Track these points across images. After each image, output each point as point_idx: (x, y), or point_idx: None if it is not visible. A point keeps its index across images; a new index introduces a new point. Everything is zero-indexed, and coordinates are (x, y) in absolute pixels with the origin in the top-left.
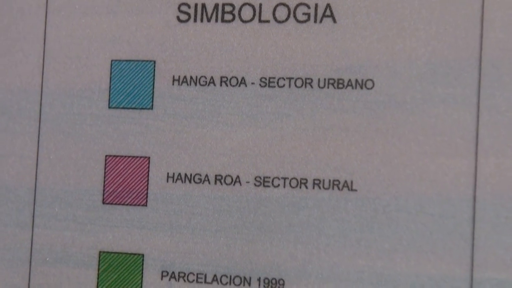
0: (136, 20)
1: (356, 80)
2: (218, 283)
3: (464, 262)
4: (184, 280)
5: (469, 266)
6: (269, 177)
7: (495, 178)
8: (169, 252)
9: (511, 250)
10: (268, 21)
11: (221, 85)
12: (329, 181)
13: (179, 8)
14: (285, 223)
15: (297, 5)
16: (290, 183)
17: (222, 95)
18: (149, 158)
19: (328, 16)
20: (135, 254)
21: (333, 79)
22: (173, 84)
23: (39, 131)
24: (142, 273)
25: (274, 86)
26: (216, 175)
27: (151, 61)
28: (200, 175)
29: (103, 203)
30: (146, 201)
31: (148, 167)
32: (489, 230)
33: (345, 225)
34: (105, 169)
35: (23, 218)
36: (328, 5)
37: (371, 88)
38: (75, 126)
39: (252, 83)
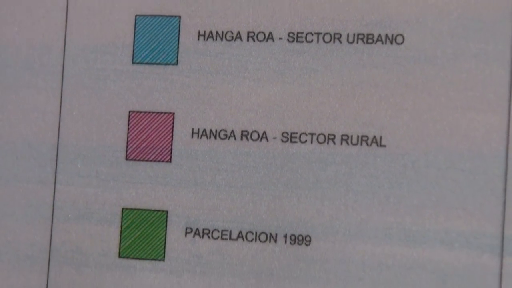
0: None
1: (386, 35)
2: (243, 240)
3: (495, 219)
4: (209, 237)
5: (500, 222)
6: (296, 133)
7: None
8: (194, 209)
9: None
10: None
11: (248, 40)
12: (358, 136)
13: None
14: (312, 179)
15: None
16: (317, 139)
17: (249, 50)
18: (173, 114)
19: None
20: (158, 210)
21: (363, 34)
22: (198, 39)
23: (62, 87)
24: (166, 230)
25: (302, 41)
26: (242, 131)
27: (176, 16)
28: (226, 131)
29: (126, 159)
30: (170, 157)
31: (173, 123)
32: None
33: (374, 181)
34: (128, 125)
35: (45, 175)
36: None
37: (401, 43)
38: (98, 81)
39: (280, 38)
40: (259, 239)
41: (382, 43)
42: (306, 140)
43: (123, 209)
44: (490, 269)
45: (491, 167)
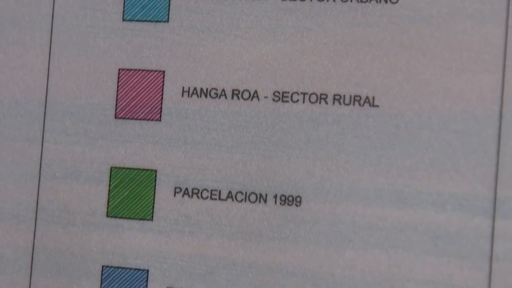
0: None
1: None
2: (232, 200)
3: (487, 180)
4: (198, 197)
5: (493, 184)
6: (288, 92)
7: None
8: (183, 168)
9: None
10: None
11: None
12: (350, 96)
13: None
14: (304, 139)
15: None
16: (309, 99)
17: (241, 8)
18: (164, 71)
19: None
20: (147, 169)
21: None
22: None
23: (50, 43)
24: (155, 189)
25: (295, 0)
26: (233, 90)
27: None
28: (217, 89)
29: (116, 117)
30: (160, 115)
31: (163, 81)
32: None
33: (366, 141)
34: (118, 83)
35: (33, 133)
36: None
37: (396, 2)
38: (88, 39)
39: None
40: (249, 200)
41: (377, 1)
42: (298, 100)
43: (111, 168)
44: (481, 231)
45: (484, 129)
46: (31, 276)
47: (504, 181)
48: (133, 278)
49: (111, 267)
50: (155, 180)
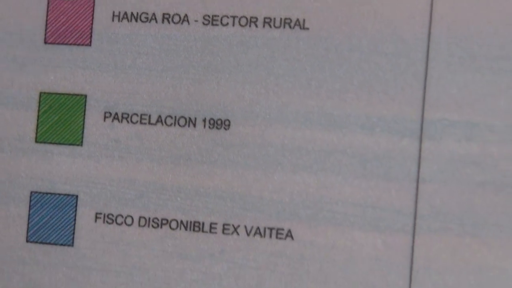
0: None
1: None
2: (162, 124)
3: (415, 103)
4: (128, 121)
5: (420, 106)
6: (218, 16)
7: (451, 17)
8: (113, 93)
9: (463, 90)
10: None
11: None
12: (281, 19)
13: None
14: (233, 63)
15: None
16: (239, 22)
17: None
18: None
19: None
20: (77, 95)
21: None
22: None
23: None
24: (84, 114)
25: None
26: (163, 14)
27: None
28: (147, 13)
29: (45, 42)
30: (90, 40)
31: (93, 5)
32: (443, 70)
33: (296, 64)
34: (47, 7)
35: None
36: None
37: None
38: None
39: None
40: (178, 124)
41: None
42: (227, 23)
43: (40, 93)
44: (409, 153)
45: (413, 51)
46: None
47: (431, 103)
48: (62, 203)
49: (40, 192)
50: (85, 105)
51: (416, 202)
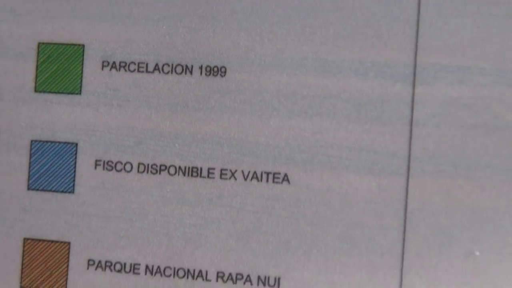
0: None
1: None
2: (159, 72)
3: (408, 48)
4: (125, 70)
5: (413, 51)
6: None
7: None
8: (110, 42)
9: (455, 35)
10: None
11: None
12: None
13: None
14: (228, 11)
15: None
16: None
17: None
18: None
19: None
20: (75, 44)
21: None
22: None
23: None
24: (83, 63)
25: None
26: None
27: None
28: None
29: None
30: None
31: None
32: (434, 15)
33: (289, 11)
34: None
35: None
36: None
37: None
38: None
39: None
40: (175, 71)
41: None
42: None
43: (39, 43)
44: (402, 97)
45: None
46: None
47: (424, 48)
48: (62, 151)
49: (40, 141)
50: (83, 54)
51: (410, 145)
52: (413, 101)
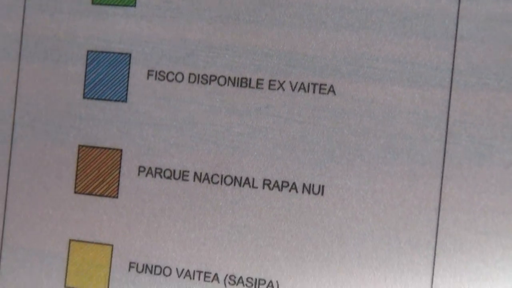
0: None
1: None
2: None
3: None
4: None
5: None
6: None
7: None
8: None
9: None
10: None
11: None
12: None
13: None
14: None
15: None
16: None
17: None
18: None
19: None
20: None
21: None
22: None
23: None
24: None
25: None
26: None
27: None
28: None
29: None
30: None
31: None
32: None
33: None
34: None
35: None
36: None
37: None
38: None
39: None
40: None
41: None
42: None
43: None
44: (448, 11)
45: None
46: (19, 62)
47: None
48: (116, 61)
49: (96, 51)
50: None
51: (453, 58)
52: (458, 15)
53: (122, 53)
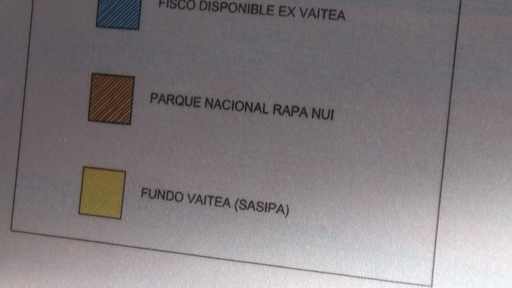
0: None
1: None
2: None
3: None
4: None
5: None
6: None
7: None
8: None
9: None
10: None
11: None
12: None
13: None
14: None
15: None
16: None
17: None
18: None
19: None
20: None
21: None
22: None
23: None
24: None
25: None
26: None
27: None
28: None
29: None
30: None
31: None
32: None
33: None
34: None
35: None
36: None
37: None
38: None
39: None
40: None
41: None
42: None
43: None
44: None
45: None
46: None
47: None
48: None
49: None
50: None
51: None
52: None
53: None
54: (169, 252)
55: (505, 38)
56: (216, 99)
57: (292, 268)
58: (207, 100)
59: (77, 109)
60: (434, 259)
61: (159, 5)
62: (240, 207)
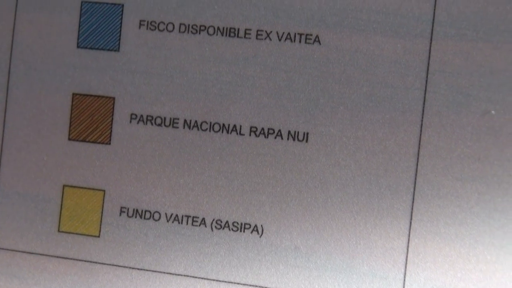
0: None
1: None
2: None
3: None
4: None
5: None
6: None
7: None
8: None
9: None
10: None
11: None
12: None
13: None
14: None
15: None
16: None
17: None
18: None
19: None
20: None
21: None
22: None
23: None
24: None
25: None
26: None
27: None
28: None
29: None
30: None
31: None
32: None
33: None
34: None
35: None
36: None
37: None
38: None
39: None
40: None
41: None
42: None
43: None
44: None
45: None
46: (16, 12)
47: None
48: (109, 11)
49: (89, 2)
50: None
51: (434, 9)
52: None
53: (115, 4)
54: (146, 270)
55: (475, 64)
56: (194, 121)
57: None
58: (185, 121)
59: (57, 128)
60: (404, 280)
61: (139, 27)
62: (216, 227)
